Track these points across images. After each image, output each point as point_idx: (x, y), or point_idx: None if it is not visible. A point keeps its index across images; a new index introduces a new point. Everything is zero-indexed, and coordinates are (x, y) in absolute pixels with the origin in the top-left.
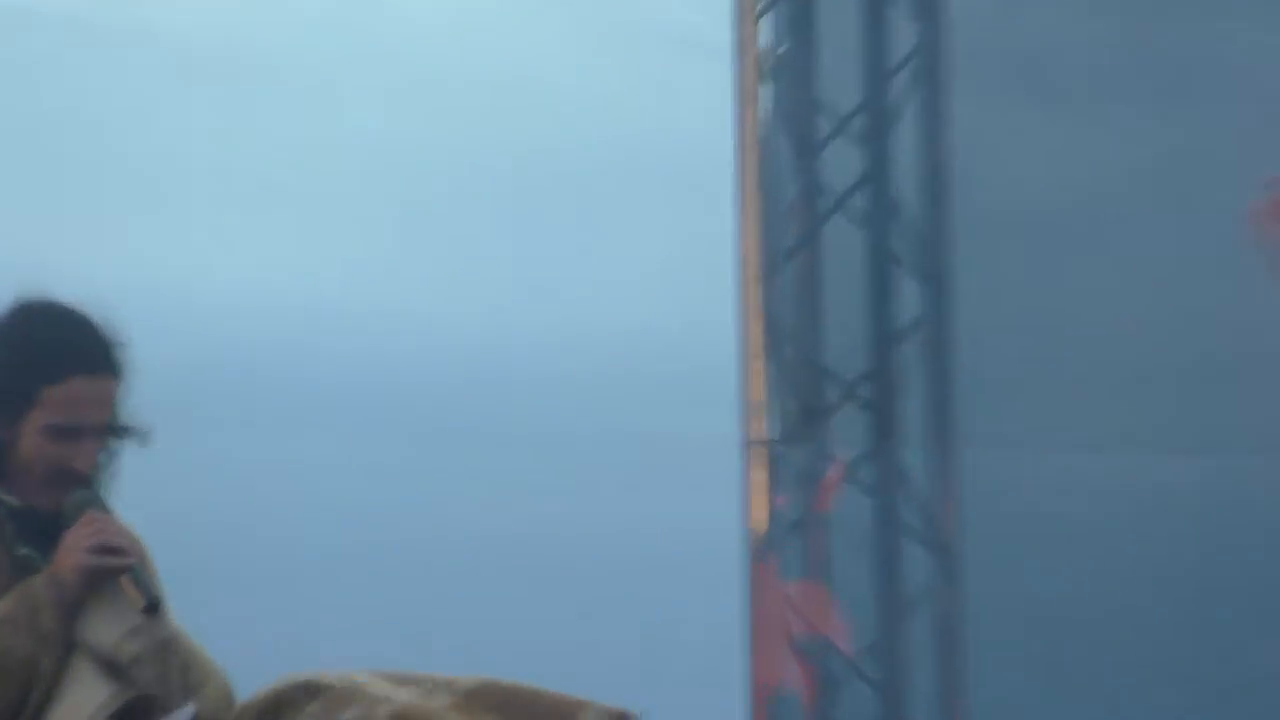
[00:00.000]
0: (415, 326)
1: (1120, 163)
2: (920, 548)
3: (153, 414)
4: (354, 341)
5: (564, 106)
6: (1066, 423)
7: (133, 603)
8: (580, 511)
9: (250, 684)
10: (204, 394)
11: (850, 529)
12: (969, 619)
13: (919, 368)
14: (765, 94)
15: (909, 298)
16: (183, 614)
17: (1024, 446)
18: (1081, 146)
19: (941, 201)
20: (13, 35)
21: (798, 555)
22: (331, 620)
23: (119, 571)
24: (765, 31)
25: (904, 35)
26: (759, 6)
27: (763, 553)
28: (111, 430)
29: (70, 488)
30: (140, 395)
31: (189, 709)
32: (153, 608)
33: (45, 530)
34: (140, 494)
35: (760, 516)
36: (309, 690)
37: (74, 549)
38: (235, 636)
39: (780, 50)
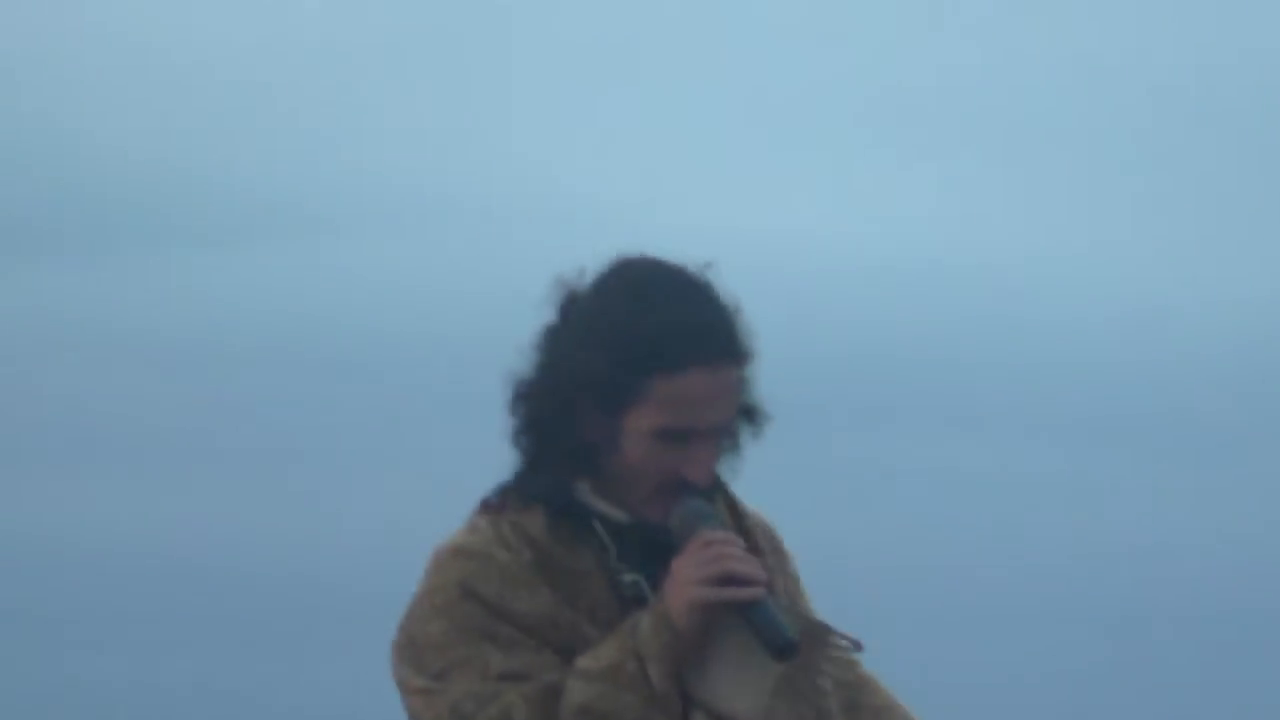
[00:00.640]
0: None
1: None
2: None
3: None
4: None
5: None
6: None
7: (766, 646)
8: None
9: None
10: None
11: None
12: None
13: None
14: None
15: None
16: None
17: None
18: None
19: None
20: None
21: None
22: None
23: (746, 605)
24: None
25: None
26: None
27: None
28: (731, 431)
29: (679, 499)
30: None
31: None
32: (786, 652)
33: (655, 550)
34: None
35: None
36: None
37: (688, 580)
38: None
39: None
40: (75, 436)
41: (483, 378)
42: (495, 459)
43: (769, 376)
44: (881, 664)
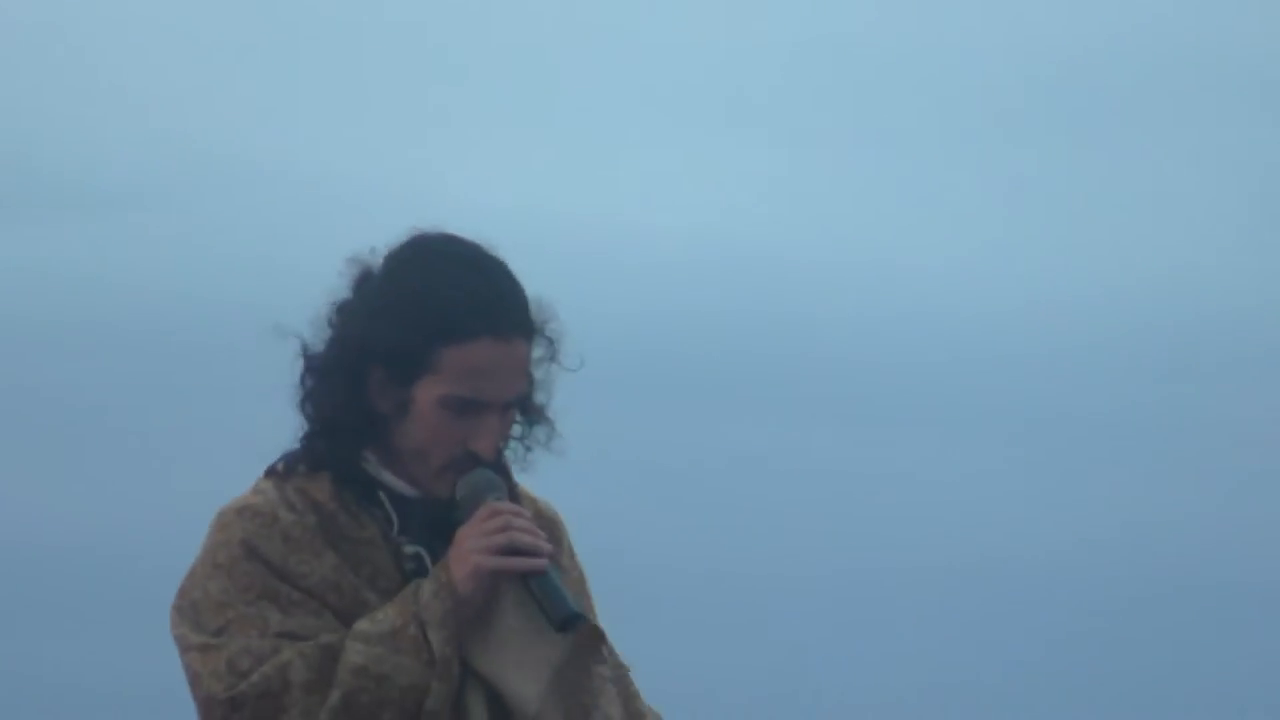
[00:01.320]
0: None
1: None
2: None
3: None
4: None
5: None
6: None
7: (548, 617)
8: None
9: None
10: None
11: None
12: None
13: None
14: None
15: None
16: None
17: None
18: None
19: None
20: None
21: None
22: None
23: (529, 576)
24: None
25: None
26: None
27: None
28: (521, 406)
29: (467, 469)
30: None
31: None
32: (568, 624)
33: (438, 525)
34: None
35: None
36: None
37: (473, 548)
38: None
39: None
40: None
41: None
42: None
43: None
44: (762, 660)
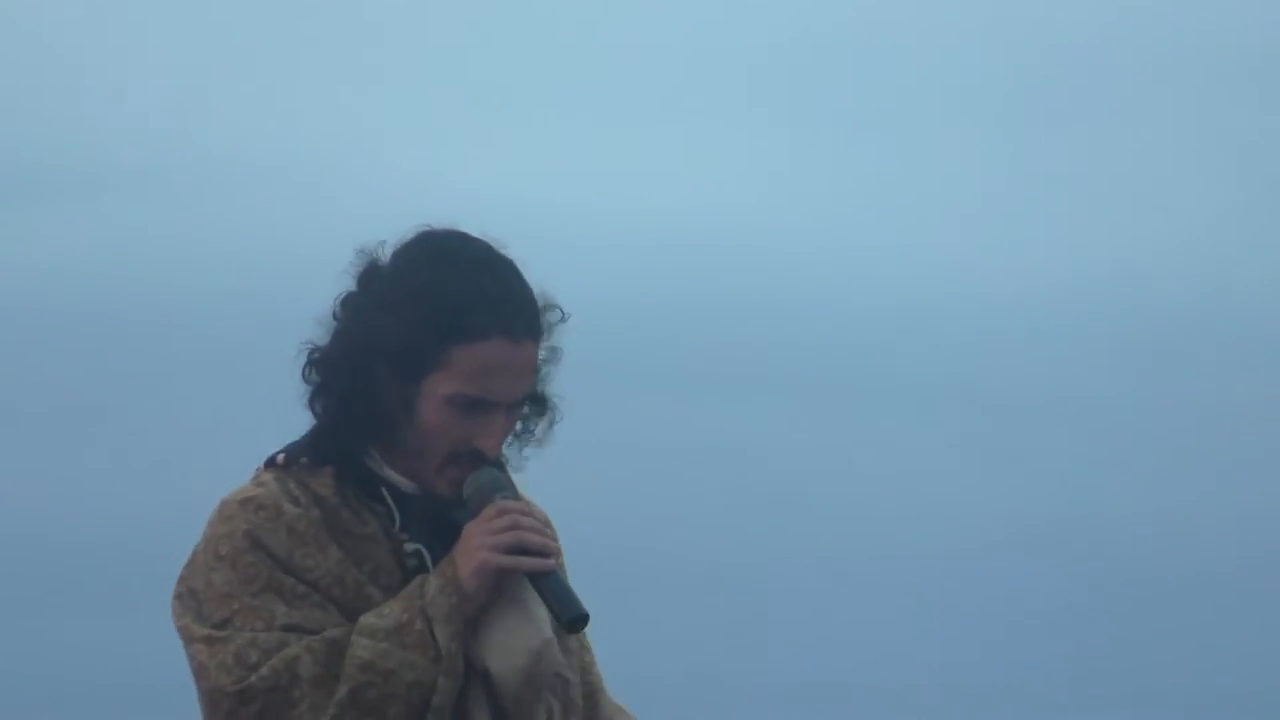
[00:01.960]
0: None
1: None
2: None
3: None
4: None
5: None
6: None
7: (557, 616)
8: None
9: None
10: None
11: None
12: None
13: None
14: None
15: None
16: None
17: None
18: None
19: None
20: None
21: None
22: None
23: (538, 575)
24: None
25: None
26: None
27: None
28: (528, 406)
29: (475, 468)
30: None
31: None
32: (578, 623)
33: (437, 521)
34: None
35: None
36: None
37: (480, 546)
38: None
39: None
40: None
41: (288, 340)
42: (301, 419)
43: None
44: (743, 645)
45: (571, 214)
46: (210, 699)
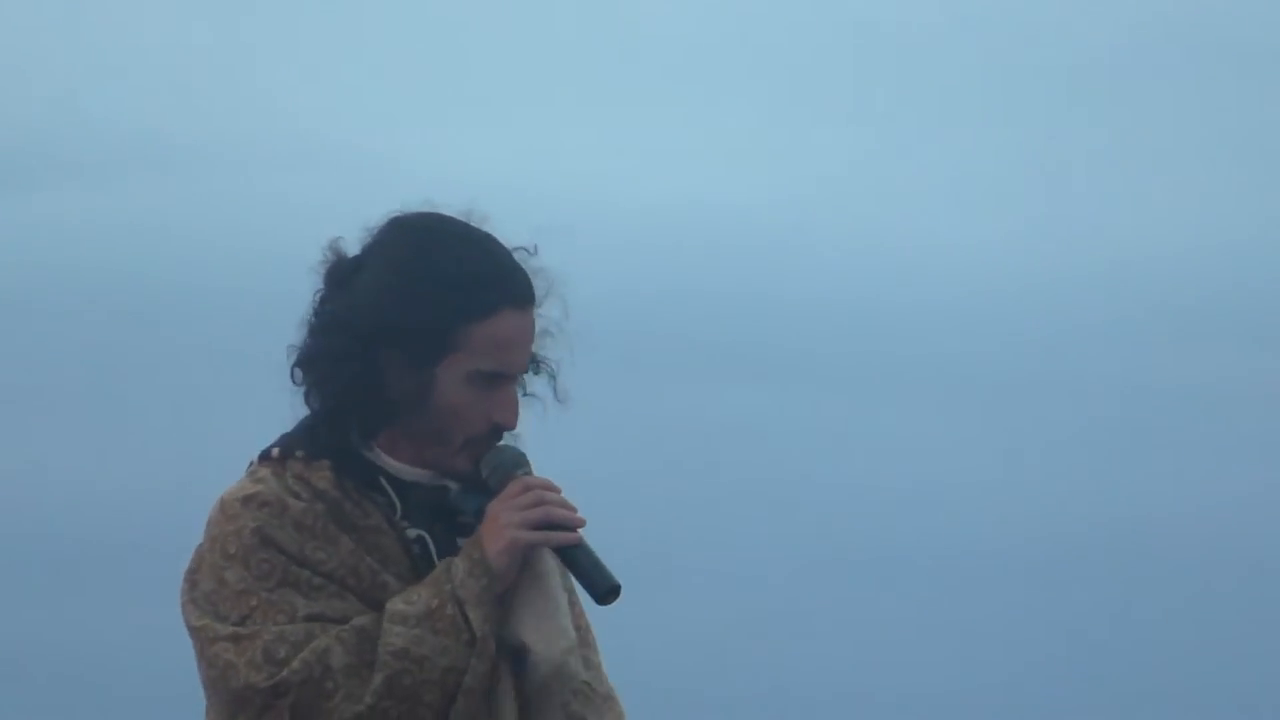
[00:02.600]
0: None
1: None
2: None
3: None
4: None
5: None
6: None
7: (590, 588)
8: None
9: None
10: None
11: None
12: None
13: None
14: None
15: None
16: None
17: None
18: None
19: None
20: None
21: None
22: None
23: (568, 549)
24: None
25: None
26: None
27: None
28: (534, 373)
29: (488, 447)
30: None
31: None
32: (611, 595)
33: (436, 507)
34: None
35: None
36: None
37: (508, 524)
38: None
39: None
40: None
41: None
42: (246, 406)
43: None
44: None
45: (567, 203)
46: (239, 697)
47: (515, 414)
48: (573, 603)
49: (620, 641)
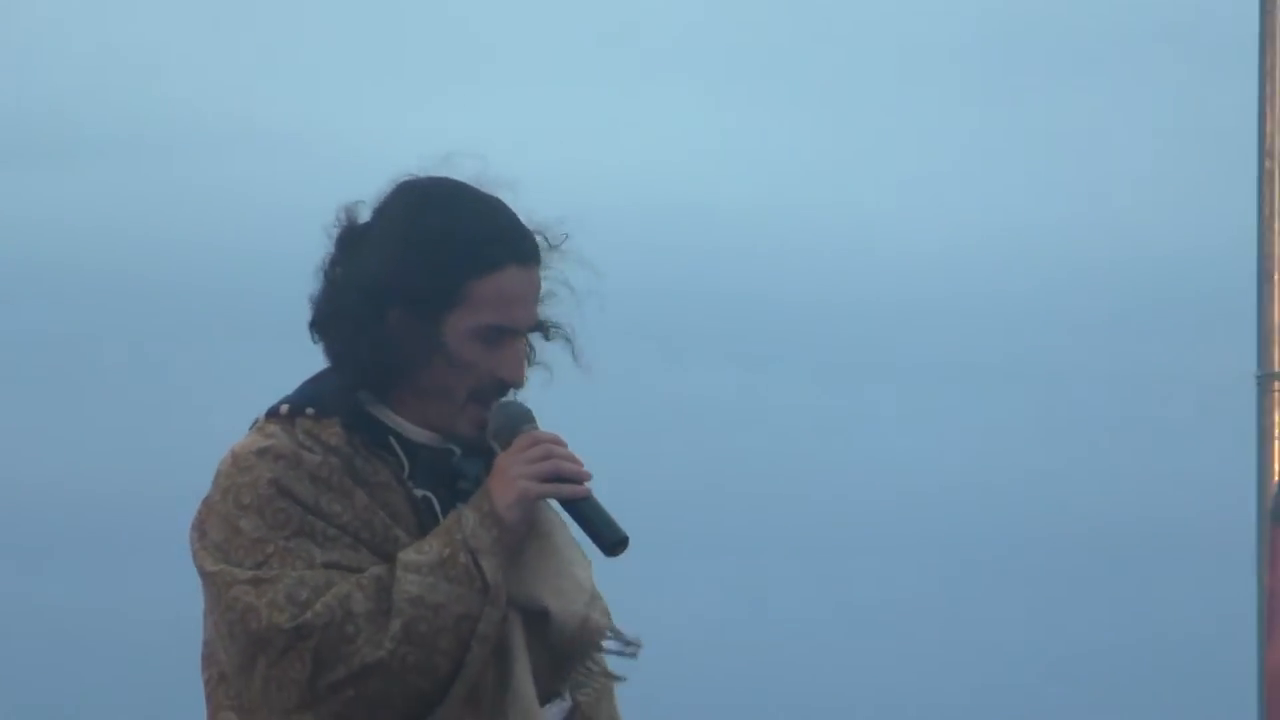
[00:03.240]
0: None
1: None
2: None
3: None
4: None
5: None
6: None
7: (599, 540)
8: (1065, 461)
9: None
10: None
11: None
12: None
13: None
14: None
15: None
16: None
17: None
18: None
19: None
20: None
21: None
22: None
23: (577, 501)
24: None
25: None
26: None
27: None
28: (539, 331)
29: (497, 402)
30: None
31: (561, 705)
32: (619, 546)
33: (441, 469)
34: None
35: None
36: None
37: (519, 476)
38: None
39: None
40: None
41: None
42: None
43: None
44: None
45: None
46: (260, 638)
47: (521, 370)
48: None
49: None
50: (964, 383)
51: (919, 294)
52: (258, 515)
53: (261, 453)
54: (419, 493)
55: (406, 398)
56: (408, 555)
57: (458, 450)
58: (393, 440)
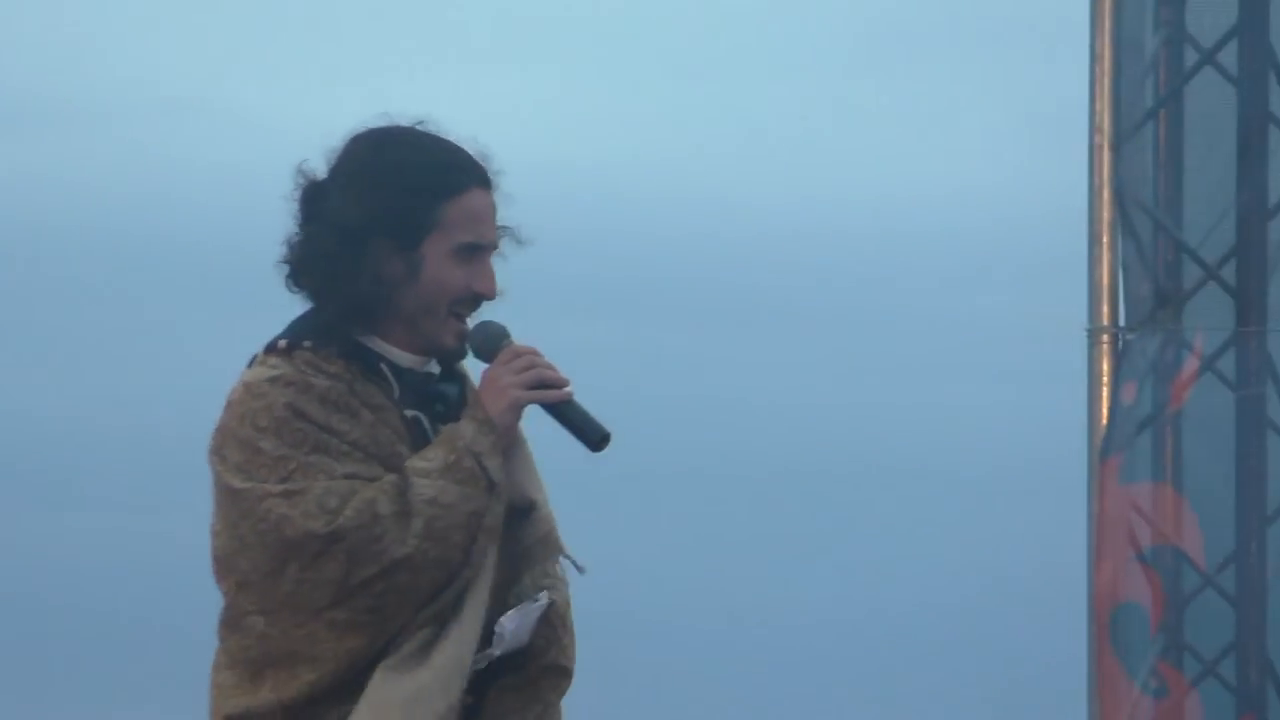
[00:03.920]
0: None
1: None
2: None
3: None
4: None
5: None
6: None
7: (584, 438)
8: (908, 403)
9: None
10: None
11: (1207, 426)
12: None
13: None
14: None
15: None
16: None
17: None
18: None
19: None
20: None
21: (1147, 455)
22: None
23: (561, 404)
24: None
25: None
26: None
27: (1108, 452)
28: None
29: (475, 322)
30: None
31: (543, 601)
32: (603, 442)
33: (425, 392)
34: None
35: (1106, 412)
36: None
37: (509, 385)
38: None
39: None
40: None
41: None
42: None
43: None
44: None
45: None
46: (294, 545)
47: (494, 283)
48: None
49: None
50: (813, 326)
51: (771, 243)
52: (275, 436)
53: (273, 380)
54: (409, 413)
55: (392, 324)
56: (415, 463)
57: (437, 372)
58: (384, 367)
